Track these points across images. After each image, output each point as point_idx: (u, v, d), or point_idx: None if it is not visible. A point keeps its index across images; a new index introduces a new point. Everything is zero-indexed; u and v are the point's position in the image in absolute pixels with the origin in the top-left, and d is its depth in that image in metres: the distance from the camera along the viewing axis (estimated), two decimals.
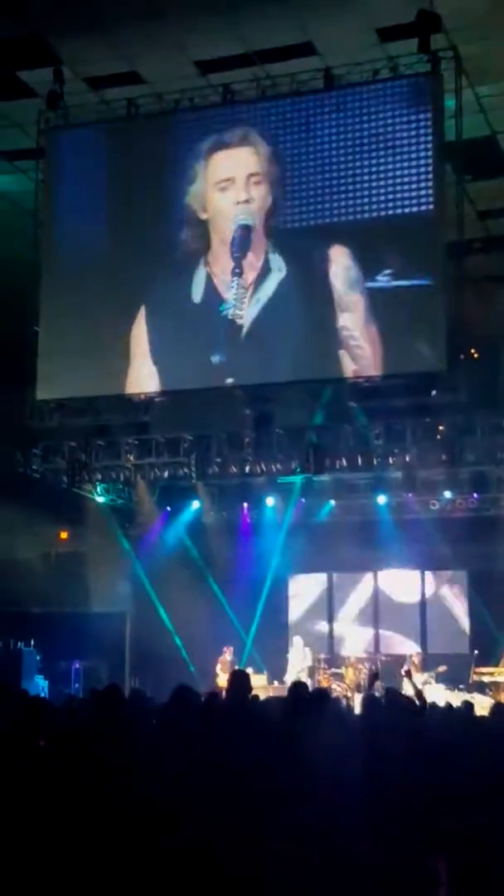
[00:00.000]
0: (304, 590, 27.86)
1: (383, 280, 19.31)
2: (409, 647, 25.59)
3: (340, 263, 19.59)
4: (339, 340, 19.56)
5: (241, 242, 20.19)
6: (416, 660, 23.37)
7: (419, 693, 13.46)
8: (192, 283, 20.47)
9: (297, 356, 19.92)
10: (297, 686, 10.36)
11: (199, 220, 20.59)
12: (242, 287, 20.13)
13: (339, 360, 19.58)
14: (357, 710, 14.61)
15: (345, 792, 7.77)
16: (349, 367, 19.58)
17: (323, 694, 10.89)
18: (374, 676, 17.21)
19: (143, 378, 20.75)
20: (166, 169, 20.84)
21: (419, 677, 22.15)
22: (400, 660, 24.07)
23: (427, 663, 23.70)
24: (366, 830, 7.68)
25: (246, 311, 20.06)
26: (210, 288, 20.41)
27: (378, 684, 19.52)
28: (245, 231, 20.19)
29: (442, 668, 22.98)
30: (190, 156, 20.63)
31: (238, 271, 20.15)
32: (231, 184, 20.41)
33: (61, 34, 18.72)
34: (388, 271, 19.26)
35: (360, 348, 19.45)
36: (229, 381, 20.27)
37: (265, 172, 20.26)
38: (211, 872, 6.95)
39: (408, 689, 19.11)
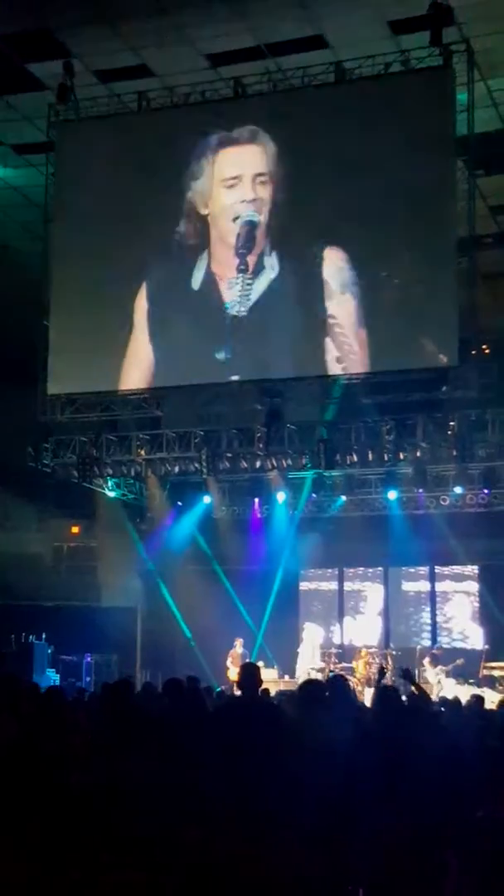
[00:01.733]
0: (315, 584, 27.84)
1: (388, 276, 19.29)
2: (418, 642, 25.64)
3: (334, 264, 19.53)
4: (331, 338, 19.52)
5: (247, 239, 20.17)
6: (435, 652, 23.47)
7: (420, 689, 13.37)
8: (193, 273, 20.49)
9: (293, 354, 19.91)
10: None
11: (199, 216, 20.56)
12: (247, 284, 20.10)
13: (333, 358, 19.55)
14: (367, 703, 14.56)
15: (355, 783, 7.76)
16: (343, 365, 19.55)
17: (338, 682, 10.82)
18: (381, 671, 17.22)
19: (151, 373, 20.73)
20: (172, 162, 20.79)
21: (433, 672, 22.25)
22: (410, 653, 24.15)
23: (441, 658, 23.71)
24: (376, 821, 7.66)
25: (247, 304, 20.05)
26: (210, 280, 20.43)
27: (388, 677, 19.50)
28: (251, 227, 20.16)
29: (460, 661, 23.01)
30: (196, 151, 20.59)
31: (243, 268, 20.13)
32: (238, 182, 20.38)
33: (71, 27, 18.70)
34: (394, 267, 19.23)
35: (350, 345, 19.41)
36: (234, 377, 20.27)
37: (271, 172, 20.21)
38: (219, 865, 6.94)
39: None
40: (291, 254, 19.90)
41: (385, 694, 10.06)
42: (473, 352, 19.57)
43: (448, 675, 22.55)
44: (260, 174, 20.29)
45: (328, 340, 19.54)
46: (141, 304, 20.80)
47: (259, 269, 20.05)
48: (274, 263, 19.93)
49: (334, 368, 19.67)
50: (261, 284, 20.02)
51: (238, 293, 20.10)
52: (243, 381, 20.36)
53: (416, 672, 22.81)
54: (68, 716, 9.80)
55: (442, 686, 21.57)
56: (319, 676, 20.67)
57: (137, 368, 20.79)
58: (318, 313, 19.60)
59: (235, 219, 20.28)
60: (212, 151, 20.53)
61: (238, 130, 20.43)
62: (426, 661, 22.86)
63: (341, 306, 19.49)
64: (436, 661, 22.90)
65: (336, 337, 19.49)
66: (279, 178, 20.07)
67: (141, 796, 7.43)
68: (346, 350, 19.44)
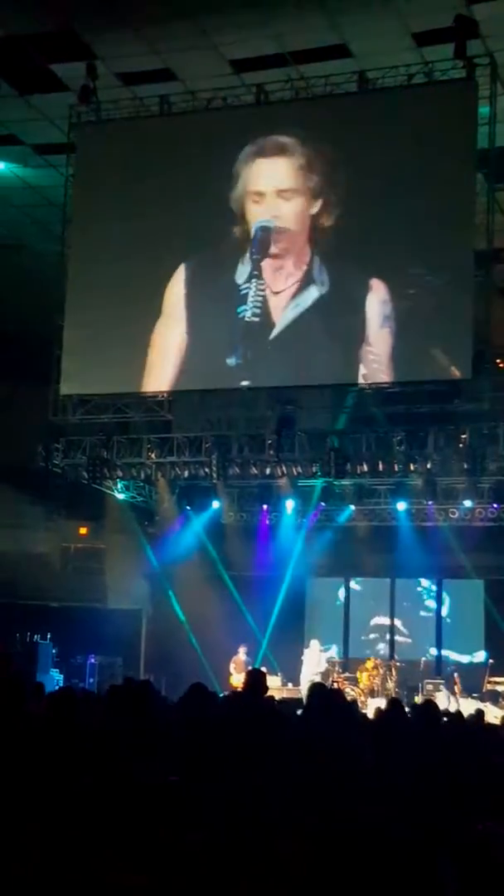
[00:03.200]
0: (321, 593, 27.82)
1: (407, 287, 19.28)
2: (423, 654, 25.65)
3: (377, 296, 19.42)
4: (362, 355, 19.47)
5: (261, 245, 20.12)
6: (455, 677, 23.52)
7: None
8: (237, 270, 20.42)
9: (319, 365, 19.84)
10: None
11: (243, 220, 20.51)
12: (260, 290, 20.07)
13: (358, 369, 19.53)
14: (370, 714, 14.57)
15: (354, 791, 7.75)
16: (365, 375, 19.52)
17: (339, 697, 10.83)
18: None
19: (163, 375, 20.70)
20: (206, 166, 20.76)
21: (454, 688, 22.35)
22: (415, 665, 24.21)
23: (442, 670, 23.74)
24: (373, 832, 7.65)
25: (280, 315, 19.95)
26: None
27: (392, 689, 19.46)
28: (265, 233, 20.12)
29: (456, 676, 23.07)
30: (231, 158, 20.52)
31: (256, 273, 20.11)
32: (262, 198, 20.33)
33: (96, 29, 18.70)
34: (410, 278, 19.21)
35: (378, 357, 19.37)
36: (244, 383, 20.25)
37: (299, 187, 20.13)
38: (222, 869, 6.93)
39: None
40: (340, 275, 19.73)
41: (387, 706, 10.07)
42: (487, 365, 19.56)
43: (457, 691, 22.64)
44: (284, 190, 20.22)
45: (359, 356, 19.47)
46: (166, 305, 20.77)
47: (309, 280, 19.92)
48: (325, 280, 19.80)
49: (359, 379, 19.65)
50: (309, 296, 19.85)
51: (251, 298, 20.07)
52: (254, 387, 20.35)
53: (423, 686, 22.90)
54: (76, 716, 9.79)
55: (458, 703, 21.61)
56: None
57: (152, 372, 20.77)
58: (354, 334, 19.49)
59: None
60: (244, 160, 20.42)
61: (268, 140, 20.36)
62: (455, 676, 22.92)
63: (379, 334, 19.39)
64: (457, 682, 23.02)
65: (368, 362, 19.41)
66: (313, 190, 19.96)
67: (146, 798, 7.43)
68: (373, 368, 19.42)
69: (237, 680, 22.43)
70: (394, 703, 10.11)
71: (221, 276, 20.48)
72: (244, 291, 20.12)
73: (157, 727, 8.60)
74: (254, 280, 20.13)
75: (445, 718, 14.40)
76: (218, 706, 9.31)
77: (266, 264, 20.15)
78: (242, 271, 20.31)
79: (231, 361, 20.14)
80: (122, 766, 7.50)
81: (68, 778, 7.42)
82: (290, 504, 24.55)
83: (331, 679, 23.52)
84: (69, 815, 6.99)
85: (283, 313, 19.94)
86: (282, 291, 20.06)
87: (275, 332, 19.97)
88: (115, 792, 7.18)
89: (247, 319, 20.07)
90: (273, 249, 20.14)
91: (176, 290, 20.76)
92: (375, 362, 19.34)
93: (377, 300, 19.42)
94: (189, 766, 7.72)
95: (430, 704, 11.17)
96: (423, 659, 25.34)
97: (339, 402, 20.81)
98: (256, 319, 20.03)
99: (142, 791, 7.21)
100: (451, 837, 8.01)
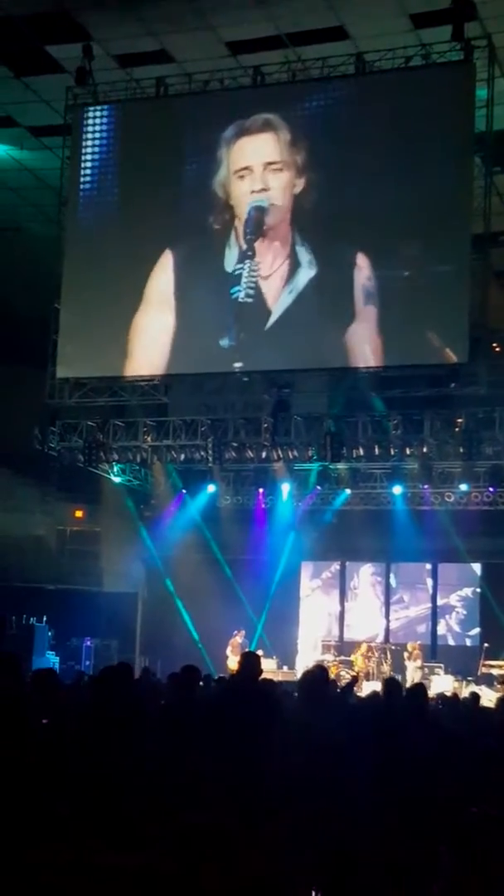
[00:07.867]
0: (317, 577, 27.84)
1: (400, 269, 19.23)
2: (418, 637, 25.68)
3: (363, 271, 19.40)
4: (351, 335, 19.43)
5: (255, 225, 20.09)
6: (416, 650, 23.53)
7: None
8: (225, 256, 20.36)
9: (313, 348, 19.81)
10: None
11: (226, 206, 20.46)
12: (253, 271, 20.02)
13: (351, 352, 19.49)
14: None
15: (351, 778, 7.76)
16: (357, 357, 19.48)
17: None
18: (354, 679, 17.32)
19: (158, 358, 20.67)
20: (190, 149, 20.80)
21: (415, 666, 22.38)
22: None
23: (437, 655, 23.76)
24: (370, 816, 7.66)
25: (276, 301, 19.88)
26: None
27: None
28: (259, 213, 20.07)
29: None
30: (214, 143, 20.49)
31: (250, 254, 20.07)
32: (248, 172, 20.31)
33: (92, 10, 18.62)
34: (407, 261, 19.17)
35: (366, 336, 19.33)
36: (237, 365, 20.22)
37: (286, 159, 20.09)
38: (214, 850, 6.93)
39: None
40: (327, 254, 19.69)
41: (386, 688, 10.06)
42: (484, 349, 19.51)
43: (443, 671, 22.68)
44: (271, 162, 20.20)
45: (350, 337, 19.44)
46: (155, 290, 20.72)
47: (296, 263, 19.87)
48: (311, 261, 19.75)
49: (355, 362, 19.60)
50: (300, 280, 19.78)
51: (245, 279, 20.02)
52: (247, 370, 20.32)
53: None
54: (65, 697, 9.80)
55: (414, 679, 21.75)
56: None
57: (146, 355, 20.74)
58: (345, 314, 19.47)
59: (248, 206, 20.23)
60: (227, 143, 20.44)
61: (252, 119, 20.33)
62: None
63: (366, 312, 19.36)
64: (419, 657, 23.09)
65: (358, 342, 19.38)
66: (299, 164, 19.94)
67: (137, 779, 7.44)
68: (363, 349, 19.37)
69: (234, 663, 22.46)
70: (391, 685, 10.07)
71: (212, 260, 20.42)
72: (237, 272, 20.09)
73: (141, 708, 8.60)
74: (247, 261, 20.09)
75: (441, 704, 14.44)
76: (210, 687, 9.31)
77: (259, 245, 20.11)
78: (230, 255, 20.27)
79: (224, 343, 20.11)
80: (110, 746, 7.49)
81: (58, 757, 7.42)
82: (285, 488, 24.55)
83: (325, 662, 23.53)
84: (60, 794, 7.00)
85: (280, 299, 19.87)
86: (271, 275, 20.00)
87: (272, 318, 19.90)
88: (106, 772, 7.18)
89: (240, 300, 20.03)
90: (266, 229, 20.10)
91: (165, 274, 20.70)
92: (364, 342, 19.29)
93: (364, 275, 19.37)
94: (184, 747, 7.73)
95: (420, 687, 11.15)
96: (419, 642, 25.32)
97: (335, 385, 20.75)
98: (250, 300, 20.00)
99: (131, 772, 7.21)
100: (447, 820, 8.03)
